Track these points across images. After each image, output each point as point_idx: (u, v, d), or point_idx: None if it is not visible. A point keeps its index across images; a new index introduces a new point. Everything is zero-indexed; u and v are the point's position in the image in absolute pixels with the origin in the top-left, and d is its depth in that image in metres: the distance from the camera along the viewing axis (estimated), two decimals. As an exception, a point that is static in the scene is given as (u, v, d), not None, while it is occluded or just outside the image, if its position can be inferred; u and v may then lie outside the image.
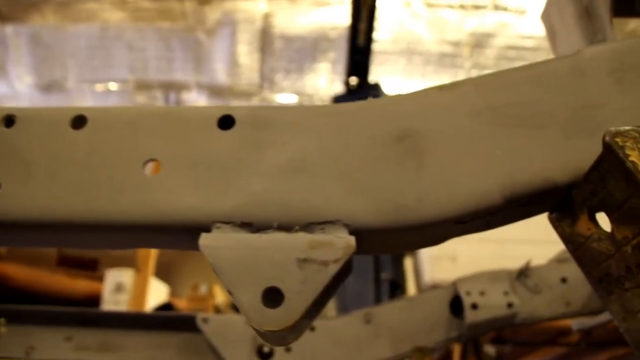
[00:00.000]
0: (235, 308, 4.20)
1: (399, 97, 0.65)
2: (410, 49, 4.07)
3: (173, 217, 0.59)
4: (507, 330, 2.89)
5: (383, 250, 0.62)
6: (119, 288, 3.81)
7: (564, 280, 1.59)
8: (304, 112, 0.64)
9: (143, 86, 4.27)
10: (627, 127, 0.54)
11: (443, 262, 2.99)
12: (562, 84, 0.67)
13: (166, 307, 3.76)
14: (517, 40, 4.21)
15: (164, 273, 4.19)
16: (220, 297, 3.97)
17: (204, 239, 0.57)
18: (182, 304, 4.01)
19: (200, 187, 0.60)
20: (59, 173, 0.62)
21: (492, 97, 0.65)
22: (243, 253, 0.55)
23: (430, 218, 0.58)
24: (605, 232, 0.58)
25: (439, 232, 0.61)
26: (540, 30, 4.19)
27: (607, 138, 0.54)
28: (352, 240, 0.56)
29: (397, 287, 2.98)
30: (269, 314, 0.52)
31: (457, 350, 2.82)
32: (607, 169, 0.55)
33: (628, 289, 0.57)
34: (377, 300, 2.88)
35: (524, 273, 1.59)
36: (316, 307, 0.57)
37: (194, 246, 0.59)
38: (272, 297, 0.54)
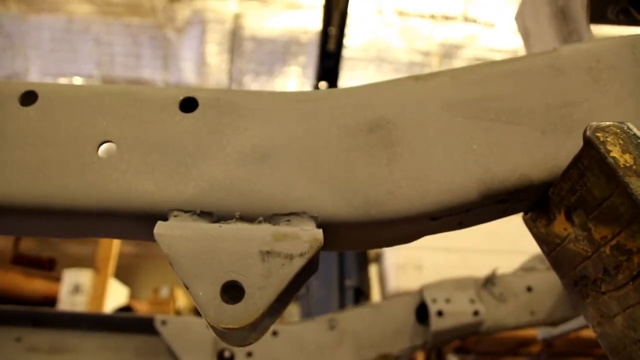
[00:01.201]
0: (197, 312, 4.12)
1: (372, 86, 0.62)
2: (381, 56, 4.07)
3: (127, 203, 0.54)
4: (470, 341, 2.89)
5: (353, 246, 0.59)
6: (76, 289, 3.69)
7: (529, 289, 1.59)
8: (271, 98, 0.60)
9: (109, 82, 4.17)
10: (608, 123, 0.52)
11: (408, 271, 2.98)
12: (539, 81, 0.65)
13: (126, 309, 3.66)
14: (485, 53, 4.26)
15: (124, 274, 4.08)
16: (181, 300, 3.88)
17: (159, 228, 0.52)
18: (143, 307, 3.91)
19: (157, 171, 0.56)
20: (4, 152, 0.57)
21: (468, 90, 0.62)
22: (201, 244, 0.51)
23: (402, 213, 0.54)
24: (583, 232, 0.56)
25: (411, 229, 0.57)
26: (508, 44, 4.25)
27: (587, 133, 0.52)
28: (319, 233, 0.52)
29: (361, 295, 2.96)
30: (228, 310, 0.48)
31: (420, 359, 2.80)
32: (587, 165, 0.52)
33: (605, 292, 0.55)
34: (342, 307, 2.85)
35: (490, 281, 1.58)
36: (279, 305, 0.53)
37: (150, 236, 0.55)
38: (232, 292, 0.50)
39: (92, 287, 3.65)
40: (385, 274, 3.15)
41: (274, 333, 1.53)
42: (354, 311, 1.59)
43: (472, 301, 1.52)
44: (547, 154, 0.60)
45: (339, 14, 3.23)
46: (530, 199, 0.61)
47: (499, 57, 4.21)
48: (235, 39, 4.00)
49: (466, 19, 4.09)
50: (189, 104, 0.60)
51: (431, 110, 0.60)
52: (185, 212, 0.54)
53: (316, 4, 3.66)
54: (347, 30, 3.60)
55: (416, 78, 0.63)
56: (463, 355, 2.91)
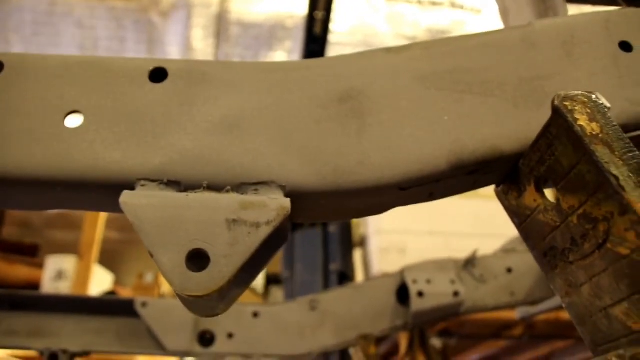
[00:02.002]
0: (180, 297, 4.11)
1: (343, 57, 0.62)
2: (367, 41, 4.05)
3: (94, 173, 0.54)
4: (453, 323, 2.92)
5: (322, 216, 0.59)
6: (59, 275, 3.67)
7: (509, 270, 1.60)
8: (242, 69, 0.60)
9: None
10: (576, 92, 0.52)
11: (392, 255, 2.99)
12: (513, 54, 0.65)
13: (110, 295, 3.64)
14: (472, 39, 4.25)
15: (108, 260, 4.07)
16: (166, 286, 3.87)
17: (125, 197, 0.52)
18: (127, 293, 3.90)
19: (125, 141, 0.55)
20: None
21: (440, 62, 0.62)
22: (167, 212, 0.51)
23: (370, 182, 0.54)
24: (552, 202, 0.56)
25: (381, 199, 0.57)
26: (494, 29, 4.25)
27: (556, 102, 0.52)
28: (286, 202, 0.52)
29: (346, 279, 2.96)
30: (193, 278, 0.48)
31: (403, 342, 2.82)
32: (556, 134, 0.53)
33: (572, 261, 0.55)
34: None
35: (470, 262, 1.60)
36: (247, 275, 0.53)
37: (117, 207, 0.54)
38: (198, 260, 0.49)
39: (76, 273, 3.64)
40: (369, 258, 3.16)
41: (255, 314, 1.53)
42: (335, 292, 1.60)
43: (452, 282, 1.53)
44: (519, 126, 0.60)
45: (325, -2, 3.21)
46: (500, 171, 0.61)
47: (485, 43, 4.21)
48: (221, 24, 3.96)
49: (453, 5, 4.08)
50: (158, 75, 0.60)
51: (403, 81, 0.60)
52: (153, 181, 0.54)
53: (302, -12, 3.64)
54: (334, 14, 3.58)
55: (388, 50, 0.63)
56: (446, 338, 2.94)
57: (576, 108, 0.51)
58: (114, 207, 0.56)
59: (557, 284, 0.59)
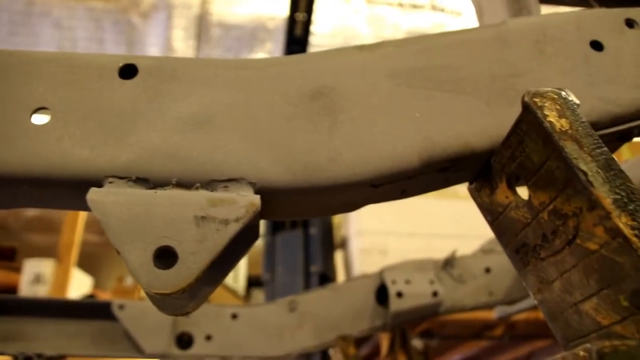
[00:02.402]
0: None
1: (315, 54, 0.61)
2: (348, 43, 4.04)
3: (61, 171, 0.53)
4: (434, 324, 2.92)
5: (294, 214, 0.58)
6: (38, 279, 3.62)
7: (487, 270, 1.61)
8: (212, 65, 0.59)
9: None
10: (546, 89, 0.53)
11: (373, 256, 2.99)
12: (486, 52, 0.65)
13: (89, 299, 3.60)
14: (453, 41, 4.28)
15: (87, 264, 4.01)
16: (146, 289, 3.84)
17: (92, 193, 0.51)
18: (106, 297, 3.85)
19: (93, 138, 0.54)
20: None
21: (413, 60, 0.62)
22: (135, 209, 0.50)
23: (342, 179, 0.54)
24: (523, 199, 0.56)
25: (352, 196, 0.57)
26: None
27: (526, 98, 0.52)
28: (256, 198, 0.51)
29: (327, 280, 2.96)
30: (161, 276, 0.47)
31: (385, 343, 2.82)
32: (526, 130, 0.53)
33: (544, 258, 0.56)
34: (307, 293, 2.85)
35: (449, 263, 1.60)
36: (217, 272, 0.52)
37: (84, 204, 0.54)
38: (166, 258, 0.48)
39: (54, 277, 3.58)
40: (351, 260, 3.16)
41: (234, 316, 1.52)
42: (315, 293, 1.59)
43: (431, 282, 1.53)
44: (490, 123, 0.60)
45: (306, -1, 3.21)
46: (473, 168, 0.61)
47: (465, 46, 4.25)
48: (202, 25, 3.94)
49: (434, 8, 4.11)
50: (128, 71, 0.59)
51: (375, 79, 0.60)
52: (121, 178, 0.53)
53: (283, -10, 3.64)
54: (315, 16, 3.58)
55: (361, 47, 0.63)
56: (427, 339, 2.94)
57: (546, 104, 0.51)
58: (82, 204, 0.55)
59: (529, 281, 0.59)
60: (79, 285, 3.77)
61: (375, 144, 0.56)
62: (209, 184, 0.53)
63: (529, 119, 0.52)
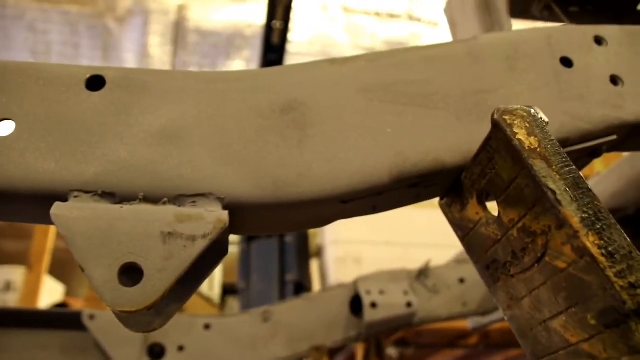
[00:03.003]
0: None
1: (287, 68, 0.61)
2: (325, 51, 4.06)
3: (25, 184, 0.51)
4: (409, 333, 2.93)
5: (263, 229, 0.58)
6: (7, 287, 3.55)
7: (461, 280, 1.62)
8: (182, 78, 0.58)
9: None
10: (515, 106, 0.53)
11: (348, 264, 2.99)
12: (457, 67, 0.65)
13: (61, 307, 3.53)
14: (429, 51, 4.32)
15: (59, 271, 3.94)
16: (119, 297, 3.78)
17: (56, 208, 0.50)
18: (79, 305, 3.78)
19: (59, 151, 0.53)
20: None
21: (384, 74, 0.62)
22: (100, 224, 0.49)
23: (311, 195, 0.53)
24: (493, 215, 0.57)
25: (322, 211, 0.57)
26: (451, 42, 4.35)
27: (495, 116, 0.52)
28: (224, 214, 0.51)
29: (302, 289, 2.95)
30: (125, 293, 0.46)
31: (360, 353, 2.82)
32: (496, 148, 0.53)
33: (513, 274, 0.56)
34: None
35: (423, 273, 1.60)
36: (185, 289, 0.51)
37: (49, 218, 0.52)
38: (132, 274, 0.47)
39: (25, 284, 3.52)
40: (326, 268, 3.16)
41: (207, 326, 1.50)
42: (288, 303, 1.58)
43: (405, 293, 1.54)
44: (461, 139, 0.60)
45: (284, 7, 3.21)
46: (443, 184, 0.61)
47: (442, 56, 4.30)
48: (178, 31, 3.92)
49: (411, 18, 4.14)
50: (96, 83, 0.58)
51: (346, 93, 0.60)
52: (86, 192, 0.51)
53: (261, -2, 3.63)
54: (292, 24, 3.58)
55: (332, 61, 0.62)
56: (402, 348, 2.95)
57: (515, 122, 0.51)
58: (45, 218, 0.54)
59: (500, 297, 0.59)
60: (50, 293, 3.71)
61: (345, 159, 0.55)
62: (177, 199, 0.52)
63: (498, 137, 0.52)
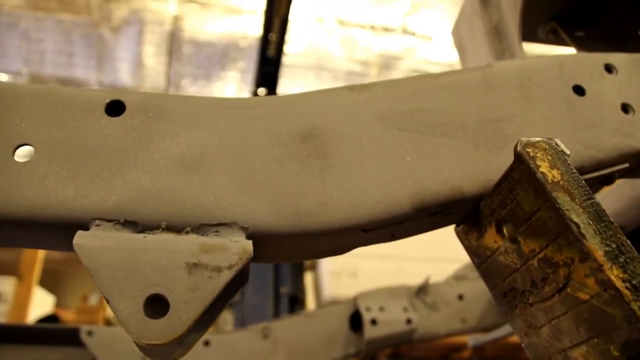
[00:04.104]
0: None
1: (306, 95, 0.61)
2: (320, 64, 4.07)
3: (45, 211, 0.51)
4: (404, 347, 2.92)
5: (284, 258, 0.58)
6: (-4, 298, 3.50)
7: (460, 297, 1.62)
8: (202, 104, 0.58)
9: (38, 80, 3.98)
10: (537, 139, 0.53)
11: (343, 278, 2.99)
12: (472, 95, 0.66)
13: (51, 319, 3.49)
14: (422, 65, 4.35)
15: (50, 282, 3.90)
16: (110, 309, 3.74)
17: (79, 238, 0.49)
18: (69, 316, 3.75)
19: (79, 178, 0.52)
20: None
21: (402, 102, 0.62)
22: (124, 255, 0.48)
23: (333, 224, 0.53)
24: (512, 245, 0.57)
25: (343, 240, 0.57)
26: (444, 57, 4.37)
27: (518, 148, 0.53)
28: (248, 244, 0.50)
29: (296, 302, 2.94)
30: (152, 326, 0.46)
31: (353, 366, 2.81)
32: (517, 179, 0.53)
33: (532, 303, 0.56)
34: (276, 315, 2.83)
35: (422, 290, 1.61)
36: (207, 319, 0.51)
37: (70, 246, 0.52)
38: (157, 306, 0.47)
39: (15, 295, 3.48)
40: (321, 282, 3.15)
41: (206, 343, 1.49)
42: (288, 320, 1.58)
43: (405, 310, 1.54)
44: (479, 168, 0.60)
45: (280, 20, 3.22)
46: (462, 212, 0.61)
47: (436, 69, 4.32)
48: (173, 41, 3.92)
49: (405, 32, 4.16)
50: (115, 108, 0.57)
51: (365, 121, 0.60)
52: (108, 221, 0.51)
53: (257, 10, 3.64)
54: (288, 37, 3.59)
55: (351, 88, 0.63)
56: (396, 362, 2.95)
57: (538, 155, 0.52)
58: (66, 246, 0.53)
59: (517, 325, 0.60)
60: (40, 304, 3.67)
61: (366, 189, 0.56)
62: (200, 228, 0.51)
63: (521, 169, 0.52)
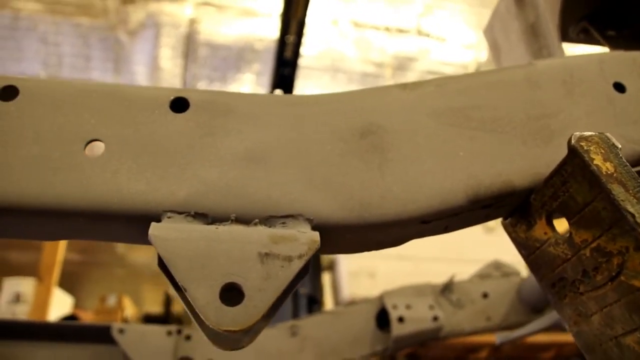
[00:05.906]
0: (146, 321, 4.01)
1: (360, 93, 0.63)
2: (335, 66, 4.10)
3: (118, 204, 0.53)
4: (420, 347, 2.94)
5: (346, 249, 0.60)
6: (17, 298, 3.54)
7: (485, 295, 1.64)
8: (264, 101, 0.61)
9: (56, 85, 4.02)
10: (590, 133, 0.55)
11: (362, 278, 3.01)
12: (518, 92, 0.68)
13: (70, 319, 3.53)
14: (437, 66, 4.36)
15: (69, 283, 3.94)
16: (129, 309, 3.78)
17: (155, 229, 0.51)
18: (88, 317, 3.78)
19: (149, 172, 0.55)
20: None
21: (452, 99, 0.65)
22: (199, 246, 0.50)
23: (395, 216, 0.56)
24: (563, 236, 0.59)
25: (403, 232, 0.59)
26: (458, 58, 4.38)
27: (572, 142, 0.54)
28: (316, 235, 0.53)
29: (314, 303, 2.96)
30: (229, 313, 0.48)
31: (372, 365, 2.82)
32: (571, 172, 0.55)
33: (583, 292, 0.58)
34: (295, 315, 2.84)
35: (447, 288, 1.62)
36: (275, 307, 0.53)
37: (141, 238, 0.54)
38: (230, 294, 0.49)
39: (35, 296, 3.51)
40: (339, 282, 3.17)
41: (236, 340, 1.51)
42: (315, 318, 1.59)
43: (431, 307, 1.55)
44: (528, 162, 0.62)
45: (297, 22, 3.25)
46: (511, 205, 0.63)
47: (449, 70, 4.33)
48: (189, 44, 3.95)
49: (419, 33, 4.18)
50: (180, 104, 0.60)
51: (418, 117, 0.62)
52: (180, 213, 0.53)
53: (272, 12, 3.67)
54: (304, 39, 3.62)
55: (403, 86, 0.65)
56: (414, 362, 2.96)
57: (591, 148, 0.54)
58: (137, 238, 0.56)
59: (566, 313, 0.62)
60: (59, 305, 3.71)
61: (424, 182, 0.58)
62: (268, 220, 0.54)
63: (575, 162, 0.54)
